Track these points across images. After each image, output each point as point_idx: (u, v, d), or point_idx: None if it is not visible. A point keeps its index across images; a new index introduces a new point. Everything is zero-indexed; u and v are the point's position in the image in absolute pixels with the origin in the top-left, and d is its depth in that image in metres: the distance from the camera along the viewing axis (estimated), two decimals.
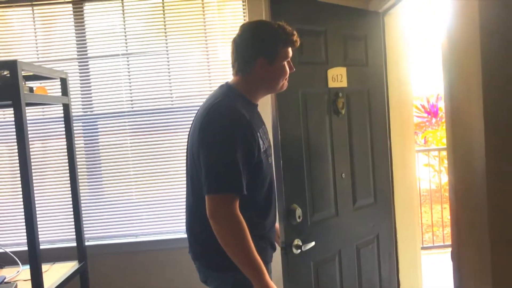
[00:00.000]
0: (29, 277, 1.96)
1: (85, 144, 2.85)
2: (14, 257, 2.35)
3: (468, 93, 1.45)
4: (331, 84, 2.15)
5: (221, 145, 1.47)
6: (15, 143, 1.94)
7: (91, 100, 2.85)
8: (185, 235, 1.70)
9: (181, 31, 2.83)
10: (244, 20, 2.79)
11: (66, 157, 2.51)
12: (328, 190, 2.13)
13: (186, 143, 1.71)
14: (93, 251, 2.73)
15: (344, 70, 2.20)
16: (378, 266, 2.40)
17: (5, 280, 2.21)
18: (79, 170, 2.64)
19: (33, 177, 2.01)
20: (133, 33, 2.83)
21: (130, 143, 2.85)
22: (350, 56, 2.24)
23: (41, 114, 2.85)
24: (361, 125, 2.32)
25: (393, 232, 2.55)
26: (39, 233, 2.01)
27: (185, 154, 1.71)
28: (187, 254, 1.71)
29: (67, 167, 2.52)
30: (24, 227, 1.94)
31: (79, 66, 2.84)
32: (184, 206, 1.71)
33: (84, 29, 2.83)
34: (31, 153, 2.01)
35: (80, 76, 2.84)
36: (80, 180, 2.61)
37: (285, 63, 1.62)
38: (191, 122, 1.69)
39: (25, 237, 1.95)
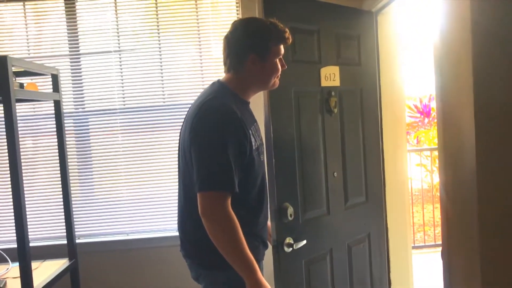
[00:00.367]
0: (19, 275, 1.94)
1: (76, 141, 2.83)
2: (4, 254, 2.33)
3: (459, 93, 1.46)
4: (324, 83, 2.15)
5: (212, 143, 1.47)
6: (5, 140, 1.92)
7: (82, 97, 2.83)
8: (177, 233, 1.70)
9: (174, 28, 2.82)
10: (238, 17, 2.78)
11: (57, 154, 2.49)
12: (320, 188, 2.14)
13: (178, 141, 1.70)
14: (84, 249, 2.71)
15: (337, 69, 2.20)
16: (369, 265, 2.41)
17: None
18: (70, 167, 2.62)
19: (24, 174, 2.00)
20: (125, 29, 2.82)
21: (122, 140, 2.84)
22: (343, 55, 2.24)
23: (32, 111, 2.83)
24: (354, 124, 2.32)
25: (385, 231, 2.57)
26: (30, 230, 2.00)
27: (177, 152, 1.70)
28: (178, 252, 1.70)
29: (58, 164, 2.50)
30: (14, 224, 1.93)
31: (71, 62, 2.82)
32: (176, 204, 1.70)
33: (76, 25, 2.81)
34: (21, 150, 1.99)
35: (72, 73, 2.82)
36: (71, 177, 2.59)
37: (277, 60, 1.62)
38: (183, 120, 1.68)
39: (15, 234, 1.93)
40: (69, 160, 2.59)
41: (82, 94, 2.83)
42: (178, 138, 1.71)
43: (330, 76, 2.18)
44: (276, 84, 1.68)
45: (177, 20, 2.82)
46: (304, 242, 1.97)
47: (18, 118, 1.99)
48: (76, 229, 2.68)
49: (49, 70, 2.44)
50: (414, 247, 3.74)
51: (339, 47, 2.23)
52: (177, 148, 1.72)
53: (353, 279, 2.31)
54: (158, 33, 2.83)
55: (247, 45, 1.57)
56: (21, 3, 2.78)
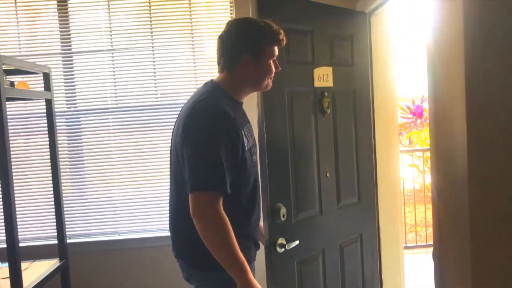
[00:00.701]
0: (8, 275, 1.92)
1: (68, 140, 2.81)
2: None
3: (451, 94, 1.47)
4: (317, 83, 2.15)
5: (205, 143, 1.46)
6: None
7: (74, 96, 2.81)
8: (169, 233, 1.69)
9: (168, 27, 2.81)
10: (231, 17, 2.78)
11: (49, 153, 2.47)
12: (313, 189, 2.14)
13: (170, 141, 1.69)
14: (75, 249, 2.69)
15: (330, 69, 2.21)
16: (361, 265, 2.42)
17: None
18: (61, 166, 2.60)
19: (14, 174, 1.98)
20: (118, 28, 2.80)
21: (114, 139, 2.82)
22: (336, 56, 2.25)
23: (23, 110, 2.80)
24: (346, 125, 2.33)
25: (377, 231, 2.57)
26: (20, 230, 1.98)
27: (169, 151, 1.69)
28: (170, 252, 1.69)
29: (49, 164, 2.48)
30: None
31: (63, 61, 2.80)
32: (168, 204, 1.69)
33: (68, 23, 2.78)
34: (12, 149, 1.97)
35: (64, 71, 2.79)
36: (62, 177, 2.57)
37: (271, 61, 1.62)
38: (176, 119, 1.67)
39: (5, 234, 1.91)
40: (60, 160, 2.57)
41: (74, 93, 2.80)
42: (170, 138, 1.70)
43: (323, 76, 2.18)
44: (269, 86, 1.67)
45: (171, 19, 2.80)
46: (297, 242, 1.97)
47: (9, 116, 1.97)
48: (67, 229, 2.66)
49: (41, 68, 2.42)
50: (405, 247, 3.76)
51: (332, 48, 2.23)
52: (169, 148, 1.71)
53: (345, 280, 2.31)
54: (151, 32, 2.81)
55: (242, 45, 1.57)
56: (13, 0, 2.75)
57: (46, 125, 2.47)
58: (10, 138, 1.94)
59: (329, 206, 2.21)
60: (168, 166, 1.69)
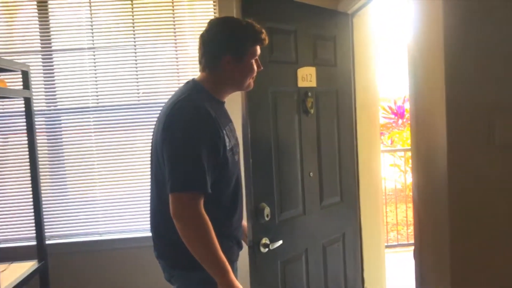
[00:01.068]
0: None
1: (48, 139, 2.76)
2: None
3: (431, 94, 1.49)
4: (301, 83, 2.16)
5: (185, 143, 1.45)
6: None
7: (55, 95, 2.76)
8: (150, 234, 1.67)
9: (150, 25, 2.78)
10: (214, 16, 2.76)
11: (27, 153, 2.42)
12: (296, 189, 2.14)
13: (151, 140, 1.67)
14: (55, 250, 2.65)
15: (314, 70, 2.21)
16: (343, 264, 2.43)
17: None
18: (41, 166, 2.55)
19: None
20: (100, 26, 2.76)
21: (95, 139, 2.78)
22: (320, 56, 2.26)
23: (0, 108, 2.74)
24: (329, 125, 2.34)
25: (359, 230, 2.59)
26: None
27: (150, 151, 1.67)
28: (151, 253, 1.67)
29: (28, 163, 2.43)
30: None
31: (43, 59, 2.74)
32: (149, 204, 1.67)
33: (48, 21, 2.73)
34: None
35: (44, 69, 2.74)
36: (42, 177, 2.52)
37: (253, 61, 1.61)
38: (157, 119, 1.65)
39: None
40: (40, 159, 2.52)
41: (54, 91, 2.75)
42: (151, 137, 1.68)
43: (307, 76, 2.19)
44: (251, 86, 1.67)
45: (153, 18, 2.77)
46: (280, 242, 1.97)
47: None
48: (47, 230, 2.61)
49: (19, 66, 2.37)
50: (387, 246, 3.80)
51: (315, 48, 2.24)
52: (150, 148, 1.69)
53: (328, 279, 2.32)
54: (134, 30, 2.78)
55: (223, 45, 1.56)
56: None
57: (25, 124, 2.42)
58: None
59: (312, 205, 2.22)
60: (149, 165, 1.68)
